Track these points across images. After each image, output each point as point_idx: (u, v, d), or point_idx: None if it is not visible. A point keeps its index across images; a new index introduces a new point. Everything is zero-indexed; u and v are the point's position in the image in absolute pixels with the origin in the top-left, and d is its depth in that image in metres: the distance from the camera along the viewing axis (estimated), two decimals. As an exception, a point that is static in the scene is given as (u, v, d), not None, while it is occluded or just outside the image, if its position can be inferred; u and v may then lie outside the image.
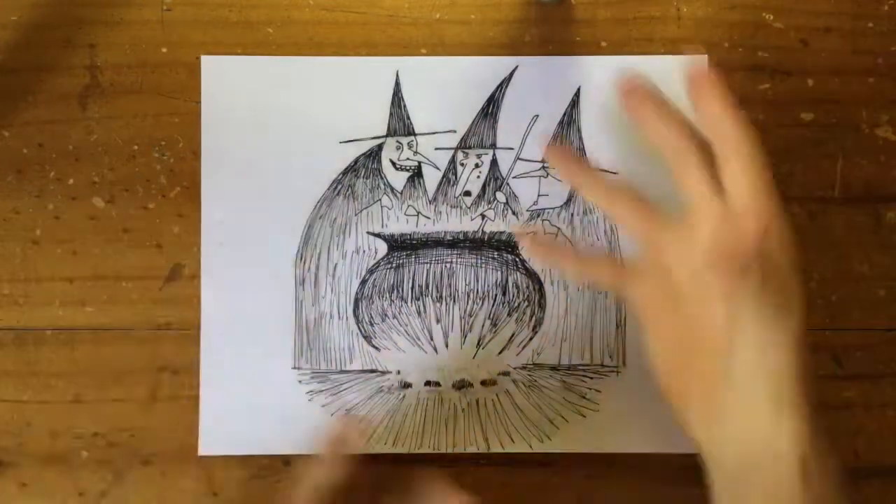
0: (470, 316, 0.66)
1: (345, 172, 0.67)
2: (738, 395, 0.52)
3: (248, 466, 0.67)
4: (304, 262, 0.66)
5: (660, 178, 0.65)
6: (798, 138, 0.67)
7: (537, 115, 0.66)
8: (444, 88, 0.67)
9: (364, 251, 0.66)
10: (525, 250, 0.66)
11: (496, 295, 0.66)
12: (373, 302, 0.66)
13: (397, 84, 0.66)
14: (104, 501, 0.66)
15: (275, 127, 0.67)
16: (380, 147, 0.67)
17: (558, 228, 0.67)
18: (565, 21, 0.67)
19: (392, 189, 0.67)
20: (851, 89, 0.67)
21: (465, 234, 0.66)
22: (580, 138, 0.66)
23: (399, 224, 0.67)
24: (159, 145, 0.67)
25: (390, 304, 0.66)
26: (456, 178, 0.67)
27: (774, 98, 0.67)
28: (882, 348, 0.67)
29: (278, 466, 0.66)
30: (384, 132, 0.67)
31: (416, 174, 0.67)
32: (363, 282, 0.66)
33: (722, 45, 0.67)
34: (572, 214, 0.67)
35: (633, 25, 0.67)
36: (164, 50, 0.67)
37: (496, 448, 0.66)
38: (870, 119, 0.67)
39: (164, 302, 0.66)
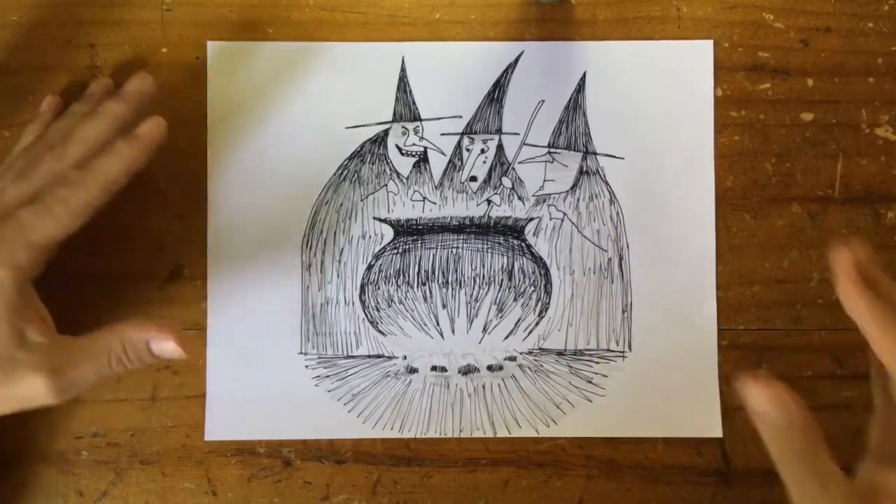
0: (476, 301, 0.66)
1: (351, 158, 0.67)
2: None
3: (248, 466, 0.66)
4: (311, 248, 0.66)
5: (664, 164, 0.66)
6: (798, 138, 0.67)
7: (543, 101, 0.67)
8: (449, 74, 0.67)
9: (370, 236, 0.67)
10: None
11: (502, 280, 0.66)
12: (379, 287, 0.66)
13: (403, 69, 0.67)
14: (104, 501, 0.66)
15: (280, 112, 0.67)
16: (386, 132, 0.67)
17: (564, 213, 0.67)
18: (565, 21, 0.68)
19: (398, 174, 0.67)
20: (851, 89, 0.68)
21: (471, 219, 0.67)
22: (586, 123, 0.67)
23: (405, 209, 0.67)
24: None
25: (396, 290, 0.66)
26: (462, 163, 0.67)
27: (774, 98, 0.68)
28: (883, 348, 0.67)
29: (278, 466, 0.66)
30: (390, 118, 0.67)
31: (422, 159, 0.67)
32: (369, 267, 0.67)
33: (722, 45, 0.68)
34: (578, 199, 0.67)
35: (633, 25, 0.68)
36: (164, 50, 0.68)
37: (503, 433, 0.66)
38: (870, 119, 0.68)
39: (164, 302, 0.66)
